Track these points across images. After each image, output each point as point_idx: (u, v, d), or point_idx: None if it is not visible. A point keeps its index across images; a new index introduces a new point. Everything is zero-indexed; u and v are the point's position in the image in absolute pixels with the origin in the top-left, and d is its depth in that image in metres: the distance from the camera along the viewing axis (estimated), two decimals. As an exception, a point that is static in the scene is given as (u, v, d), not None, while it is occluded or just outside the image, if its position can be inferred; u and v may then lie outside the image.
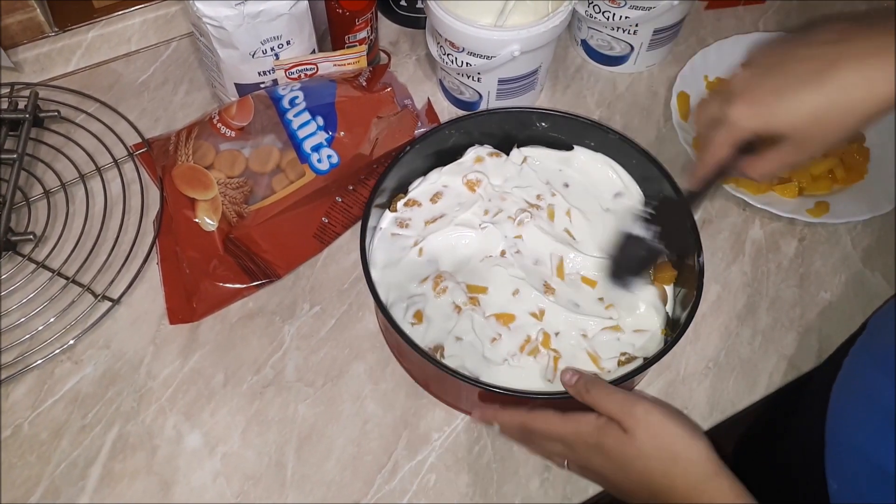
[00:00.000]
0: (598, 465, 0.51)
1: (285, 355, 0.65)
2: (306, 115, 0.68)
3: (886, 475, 0.48)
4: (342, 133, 0.68)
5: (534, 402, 0.55)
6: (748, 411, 0.65)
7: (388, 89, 0.71)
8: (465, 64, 0.73)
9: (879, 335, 0.56)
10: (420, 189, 0.68)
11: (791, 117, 0.46)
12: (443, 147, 0.69)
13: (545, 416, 0.52)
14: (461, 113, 0.80)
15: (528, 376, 0.58)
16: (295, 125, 0.67)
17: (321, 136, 0.67)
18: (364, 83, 0.72)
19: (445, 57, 0.74)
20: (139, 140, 0.75)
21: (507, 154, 0.69)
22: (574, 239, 0.65)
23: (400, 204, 0.67)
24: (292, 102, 0.68)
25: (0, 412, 0.61)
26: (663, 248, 0.61)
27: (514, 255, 0.64)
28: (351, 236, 0.71)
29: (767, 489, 0.74)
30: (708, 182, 0.57)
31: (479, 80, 0.75)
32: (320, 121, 0.68)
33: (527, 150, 0.70)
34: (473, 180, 0.67)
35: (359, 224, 0.71)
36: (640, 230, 0.61)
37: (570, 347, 0.59)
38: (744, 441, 0.84)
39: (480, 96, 0.77)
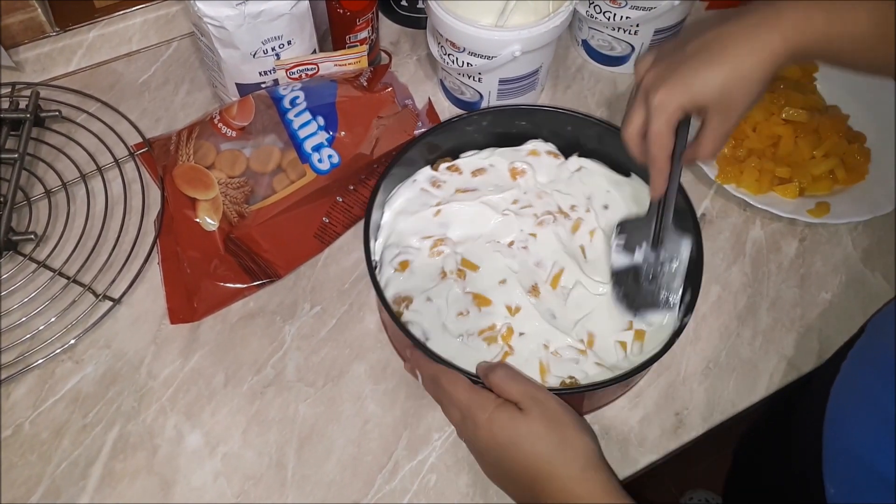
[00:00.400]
0: (483, 443, 0.51)
1: (286, 355, 0.65)
2: (307, 115, 0.68)
3: (883, 479, 0.48)
4: (343, 133, 0.68)
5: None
6: (749, 412, 0.65)
7: (389, 89, 0.71)
8: (465, 64, 0.73)
9: (878, 338, 0.56)
10: (468, 160, 0.69)
11: (708, 90, 0.52)
12: (509, 131, 0.69)
13: (454, 377, 0.53)
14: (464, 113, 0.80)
15: (472, 358, 0.57)
16: (296, 125, 0.68)
17: (322, 136, 0.67)
18: (365, 83, 0.72)
19: (446, 57, 0.74)
20: (140, 140, 0.75)
21: (566, 158, 0.69)
22: (585, 258, 0.64)
23: (443, 166, 0.68)
24: (293, 102, 0.68)
25: (1, 411, 0.62)
26: (668, 264, 0.61)
27: (520, 249, 0.64)
28: (351, 236, 0.71)
29: (767, 490, 0.74)
30: (670, 179, 0.58)
31: (479, 81, 0.75)
32: (321, 121, 0.68)
33: (585, 161, 0.69)
34: (518, 169, 0.68)
35: (357, 225, 0.71)
36: (627, 259, 0.62)
37: (527, 351, 0.59)
38: (745, 442, 0.84)
39: (481, 96, 0.77)
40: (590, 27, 0.82)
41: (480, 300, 0.61)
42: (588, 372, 0.58)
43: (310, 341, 0.66)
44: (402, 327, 0.57)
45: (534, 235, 0.65)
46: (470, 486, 0.59)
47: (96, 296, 0.66)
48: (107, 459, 0.60)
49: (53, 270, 0.67)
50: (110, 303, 0.66)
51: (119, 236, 0.69)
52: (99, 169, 0.73)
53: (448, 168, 0.68)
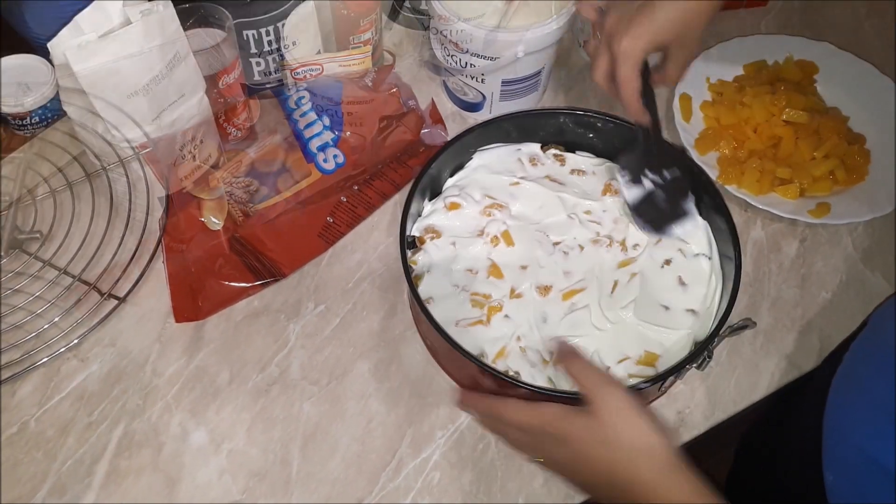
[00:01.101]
0: (561, 457, 0.51)
1: (290, 354, 0.65)
2: (312, 115, 0.68)
3: (882, 468, 0.48)
4: (348, 133, 0.68)
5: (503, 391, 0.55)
6: (750, 410, 0.65)
7: (394, 90, 0.71)
8: (468, 65, 0.73)
9: (880, 331, 0.57)
10: (577, 158, 0.70)
11: (667, 30, 0.58)
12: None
13: (513, 404, 0.53)
14: (465, 114, 0.80)
15: (449, 306, 0.61)
16: (301, 125, 0.68)
17: (327, 136, 0.68)
18: (370, 84, 0.72)
19: (449, 58, 0.74)
20: (145, 139, 0.75)
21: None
22: (611, 293, 0.62)
23: (552, 151, 0.69)
24: (298, 102, 0.69)
25: (7, 409, 0.62)
26: (670, 175, 0.64)
27: (561, 252, 0.64)
28: (354, 236, 0.72)
29: (767, 490, 0.75)
30: (647, 109, 0.62)
31: (482, 82, 0.75)
32: (326, 121, 0.68)
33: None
34: (613, 187, 0.67)
35: (361, 224, 0.72)
36: (639, 190, 0.64)
37: (499, 331, 0.60)
38: (745, 438, 0.84)
39: (484, 97, 0.77)
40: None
41: (495, 270, 0.62)
42: (535, 379, 0.58)
43: (314, 340, 0.66)
44: (459, 347, 0.56)
45: (581, 248, 0.64)
46: (473, 483, 0.60)
47: (101, 294, 0.66)
48: (112, 457, 0.60)
49: (58, 269, 0.67)
50: (115, 301, 0.66)
51: (124, 235, 0.69)
52: (103, 168, 0.73)
53: (554, 155, 0.69)
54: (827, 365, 0.65)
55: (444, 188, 0.68)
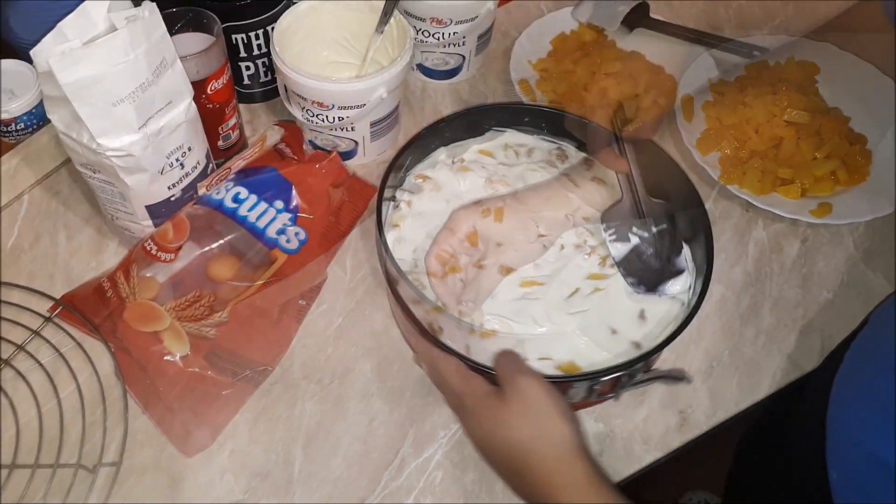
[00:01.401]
0: (473, 430, 0.53)
1: (292, 353, 0.65)
2: (263, 205, 0.67)
3: (886, 466, 0.49)
4: (305, 206, 0.68)
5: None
6: (751, 410, 0.65)
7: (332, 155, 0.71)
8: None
9: (880, 330, 0.57)
10: (608, 170, 0.67)
11: (635, 75, 0.57)
12: None
13: (448, 363, 0.54)
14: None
15: (414, 253, 0.62)
16: (252, 218, 0.66)
17: (284, 217, 0.67)
18: (293, 156, 0.71)
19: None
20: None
21: None
22: (567, 297, 0.61)
23: (582, 154, 0.69)
24: (237, 199, 0.67)
25: (8, 409, 0.62)
26: (658, 229, 0.62)
27: (540, 244, 0.64)
28: (356, 235, 0.72)
29: (767, 490, 0.75)
30: (623, 157, 0.61)
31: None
32: (279, 204, 0.67)
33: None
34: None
35: (360, 227, 0.72)
36: (625, 245, 0.62)
37: (449, 290, 0.60)
38: (747, 438, 0.84)
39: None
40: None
41: (472, 238, 0.63)
42: (454, 341, 0.57)
43: (316, 339, 0.66)
44: (396, 267, 0.58)
45: (562, 247, 0.64)
46: (476, 482, 0.60)
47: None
48: (115, 456, 0.60)
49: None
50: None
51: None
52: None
53: (557, 156, 0.69)
54: (827, 365, 0.65)
55: (465, 153, 0.68)
